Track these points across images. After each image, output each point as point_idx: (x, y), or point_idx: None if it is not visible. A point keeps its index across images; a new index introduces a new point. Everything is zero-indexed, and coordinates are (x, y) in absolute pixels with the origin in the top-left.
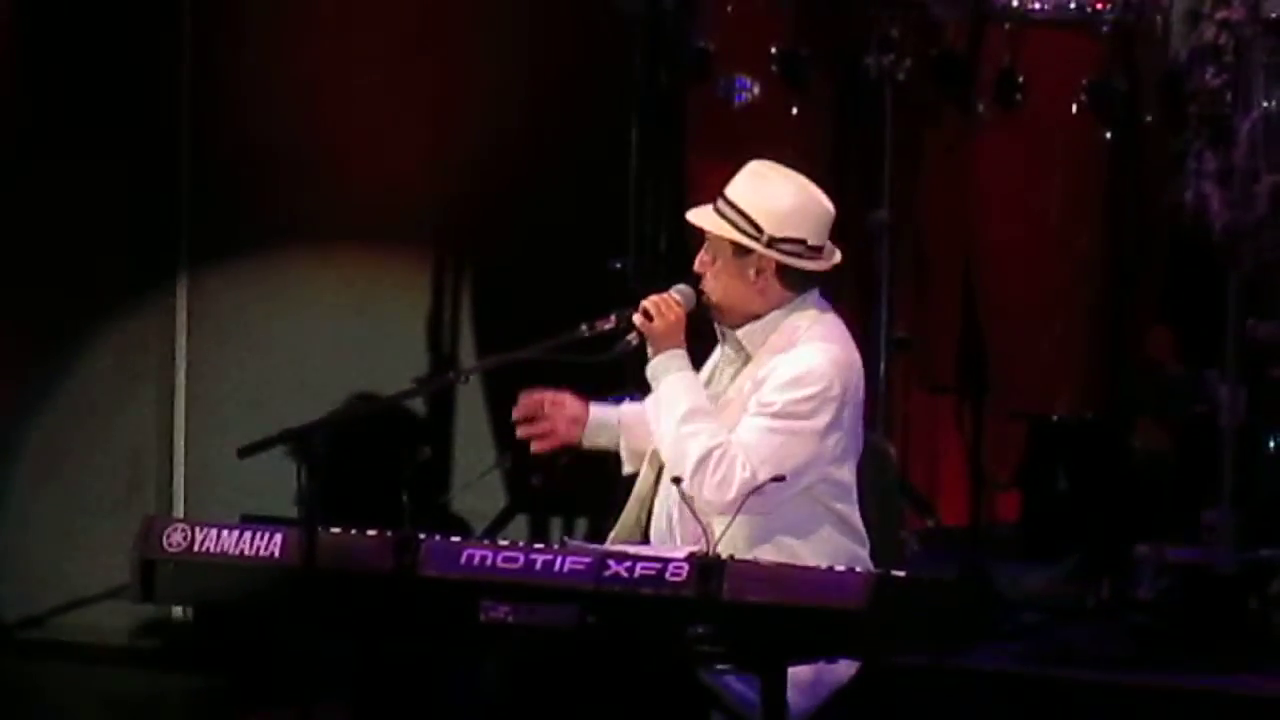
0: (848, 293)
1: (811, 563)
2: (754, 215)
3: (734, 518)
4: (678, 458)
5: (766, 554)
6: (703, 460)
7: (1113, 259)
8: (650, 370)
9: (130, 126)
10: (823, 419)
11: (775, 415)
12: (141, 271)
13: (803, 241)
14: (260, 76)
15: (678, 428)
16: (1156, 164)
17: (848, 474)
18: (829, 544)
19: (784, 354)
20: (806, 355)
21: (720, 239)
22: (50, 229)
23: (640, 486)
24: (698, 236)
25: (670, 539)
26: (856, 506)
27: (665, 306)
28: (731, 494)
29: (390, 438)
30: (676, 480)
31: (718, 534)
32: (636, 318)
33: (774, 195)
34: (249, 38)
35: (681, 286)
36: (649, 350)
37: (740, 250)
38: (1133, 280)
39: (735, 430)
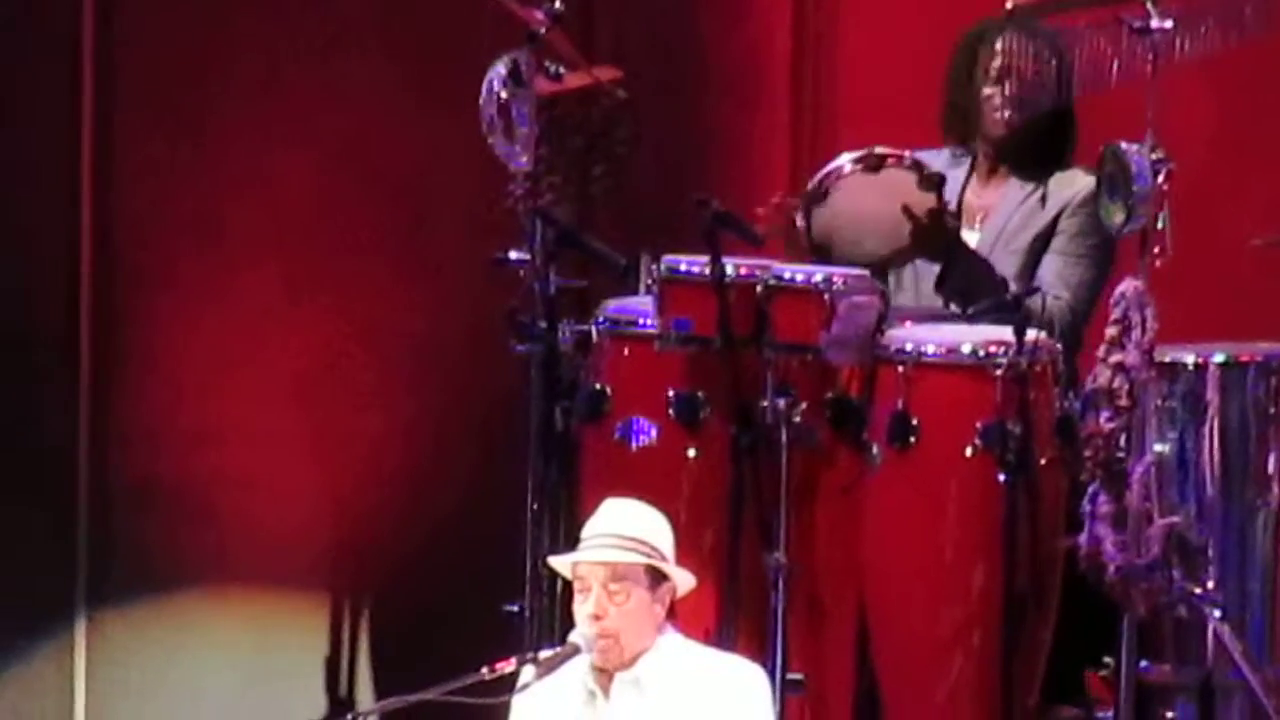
0: (743, 635)
1: None
2: (656, 543)
3: None
4: None
5: None
6: None
7: (1007, 601)
8: None
9: (27, 468)
10: None
11: None
12: (37, 614)
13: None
14: (157, 418)
15: None
16: (1051, 506)
17: None
18: None
19: (704, 680)
20: (740, 669)
21: (632, 574)
22: None
23: None
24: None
25: None
26: None
27: None
28: None
29: None
30: None
31: None
32: None
33: (654, 522)
34: (147, 378)
35: (579, 636)
36: None
37: (657, 579)
38: (1026, 622)
39: None
